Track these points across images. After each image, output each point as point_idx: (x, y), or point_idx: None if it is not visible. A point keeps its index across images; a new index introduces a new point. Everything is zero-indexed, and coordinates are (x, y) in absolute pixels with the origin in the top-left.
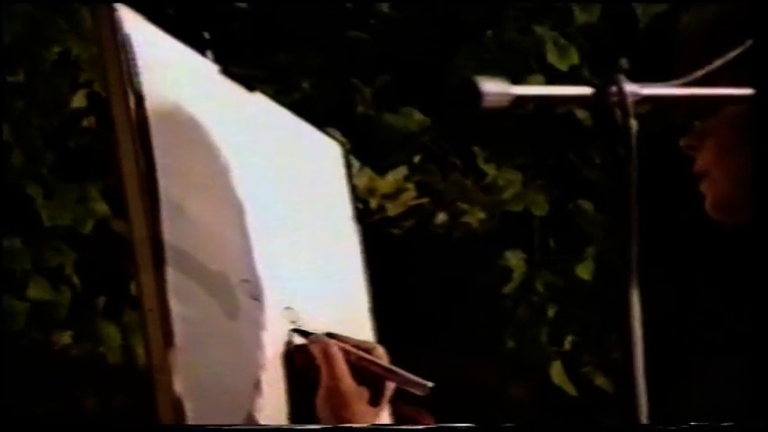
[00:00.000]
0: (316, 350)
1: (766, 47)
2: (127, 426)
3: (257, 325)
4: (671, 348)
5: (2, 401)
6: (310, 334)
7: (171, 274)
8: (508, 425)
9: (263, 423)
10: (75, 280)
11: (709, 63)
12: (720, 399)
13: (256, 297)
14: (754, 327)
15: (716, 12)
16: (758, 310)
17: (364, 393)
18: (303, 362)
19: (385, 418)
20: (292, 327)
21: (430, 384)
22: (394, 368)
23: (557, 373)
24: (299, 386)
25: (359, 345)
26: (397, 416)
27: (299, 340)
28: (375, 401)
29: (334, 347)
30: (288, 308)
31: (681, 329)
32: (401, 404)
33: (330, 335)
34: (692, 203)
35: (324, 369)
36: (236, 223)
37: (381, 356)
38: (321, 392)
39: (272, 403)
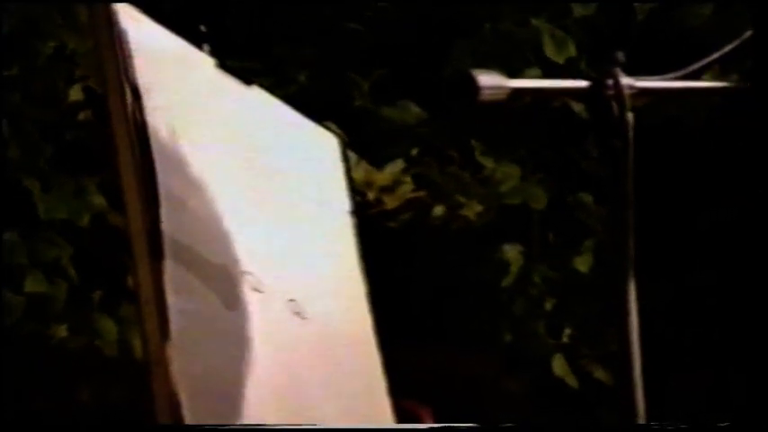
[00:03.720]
0: None
1: (765, 43)
2: (126, 425)
3: (260, 316)
4: (669, 341)
5: None
6: None
7: (169, 267)
8: (509, 425)
9: (263, 415)
10: (72, 273)
11: None
12: (716, 394)
13: (259, 289)
14: (753, 323)
15: None
16: (757, 306)
17: None
18: None
19: None
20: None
21: None
22: None
23: (558, 365)
24: None
25: None
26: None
27: None
28: None
29: None
30: (291, 300)
31: (679, 323)
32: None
33: None
34: (690, 196)
35: None
36: (237, 216)
37: None
38: None
39: (274, 394)
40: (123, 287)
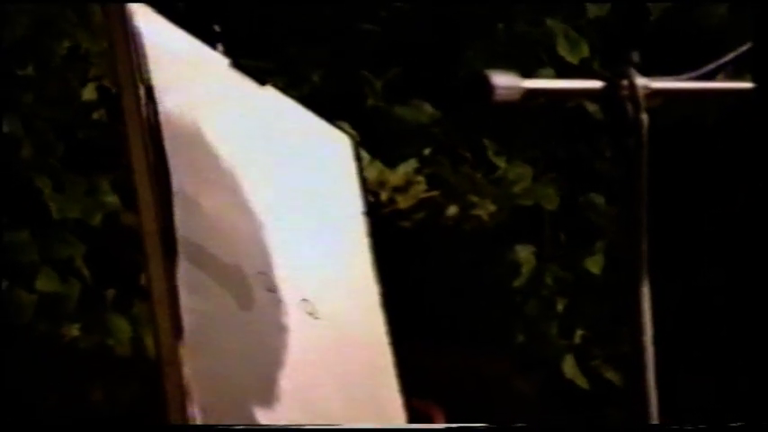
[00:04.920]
0: None
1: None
2: (138, 424)
3: (273, 316)
4: (681, 342)
5: (10, 394)
6: None
7: (183, 267)
8: (522, 425)
9: (274, 415)
10: (85, 272)
11: None
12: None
13: (272, 289)
14: (760, 323)
15: None
16: (762, 306)
17: None
18: None
19: None
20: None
21: None
22: None
23: (569, 366)
24: None
25: None
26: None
27: None
28: None
29: None
30: (304, 299)
31: (690, 324)
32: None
33: None
34: (701, 195)
35: None
36: (251, 216)
37: None
38: None
39: (286, 394)
40: (136, 286)
